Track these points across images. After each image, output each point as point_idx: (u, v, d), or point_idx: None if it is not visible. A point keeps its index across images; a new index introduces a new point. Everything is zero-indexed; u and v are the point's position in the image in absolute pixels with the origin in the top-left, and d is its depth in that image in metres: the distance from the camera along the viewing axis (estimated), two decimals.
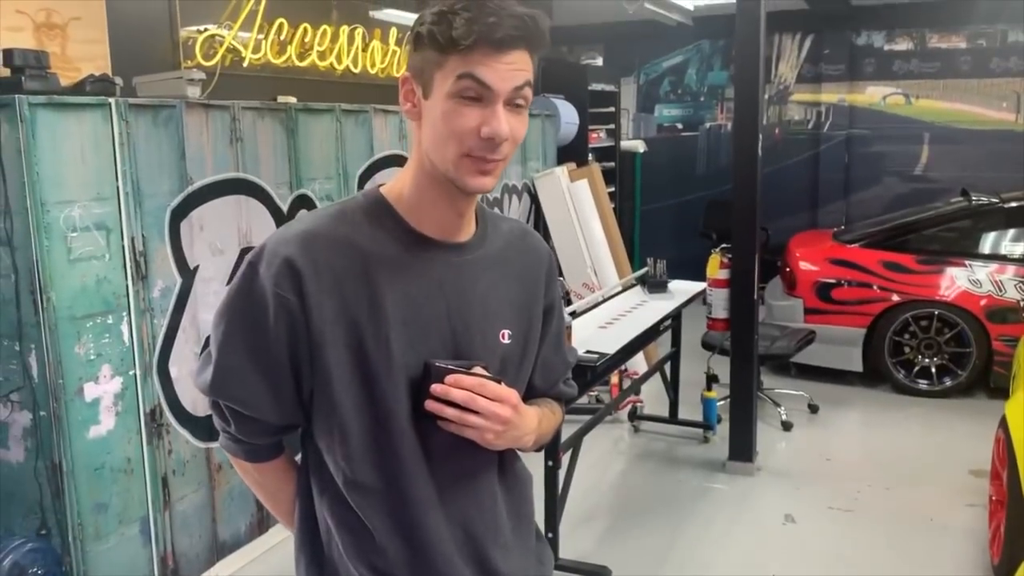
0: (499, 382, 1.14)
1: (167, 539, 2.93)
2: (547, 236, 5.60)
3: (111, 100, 2.65)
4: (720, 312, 4.15)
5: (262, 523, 3.36)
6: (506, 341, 1.23)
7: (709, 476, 4.12)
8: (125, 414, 2.78)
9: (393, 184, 1.21)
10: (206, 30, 3.47)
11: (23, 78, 2.45)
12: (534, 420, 1.23)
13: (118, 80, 2.79)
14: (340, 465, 1.18)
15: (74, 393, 2.60)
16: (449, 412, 1.11)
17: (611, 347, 3.21)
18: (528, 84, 1.11)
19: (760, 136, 3.93)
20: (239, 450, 1.26)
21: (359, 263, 1.14)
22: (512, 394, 1.15)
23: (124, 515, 2.78)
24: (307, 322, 1.13)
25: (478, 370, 1.14)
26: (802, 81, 7.80)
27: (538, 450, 1.37)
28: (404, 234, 1.17)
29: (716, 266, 4.12)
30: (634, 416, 4.70)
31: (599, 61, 7.07)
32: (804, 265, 5.48)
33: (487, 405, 1.11)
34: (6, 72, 2.48)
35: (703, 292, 4.37)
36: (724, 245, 4.11)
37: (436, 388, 1.11)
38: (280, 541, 3.36)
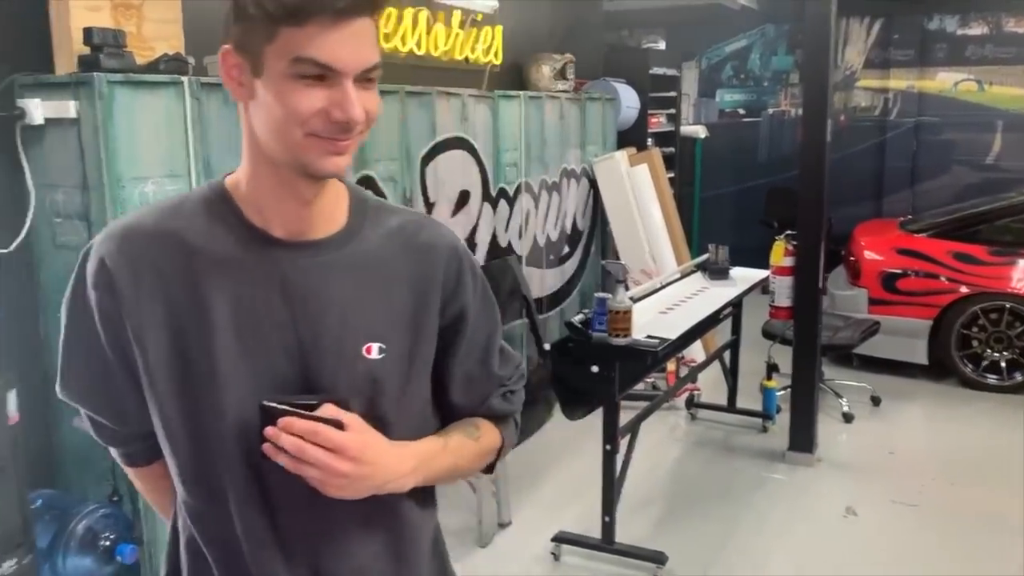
0: (340, 426, 0.97)
1: None
2: (604, 221, 5.57)
3: (184, 79, 2.70)
4: (783, 300, 4.08)
5: None
6: (374, 356, 1.04)
7: (768, 466, 4.07)
8: None
9: (237, 172, 1.06)
10: None
11: (101, 56, 2.51)
12: (409, 461, 1.04)
13: (191, 59, 2.84)
14: (176, 483, 1.08)
15: None
16: (283, 460, 0.96)
17: (672, 332, 3.18)
18: (378, 65, 0.96)
19: (829, 122, 3.84)
20: (116, 453, 1.18)
21: (187, 262, 1.01)
22: (353, 443, 0.96)
23: None
24: (126, 327, 1.02)
25: (326, 408, 0.97)
26: (870, 66, 7.61)
27: (486, 470, 1.22)
28: (243, 230, 1.02)
29: (780, 253, 4.05)
30: (691, 404, 4.67)
31: (661, 45, 6.99)
32: (869, 254, 5.36)
33: (319, 457, 0.95)
34: (85, 50, 2.54)
35: (765, 280, 4.30)
36: (789, 232, 4.04)
37: (268, 431, 0.96)
38: None
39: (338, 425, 0.97)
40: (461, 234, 4.30)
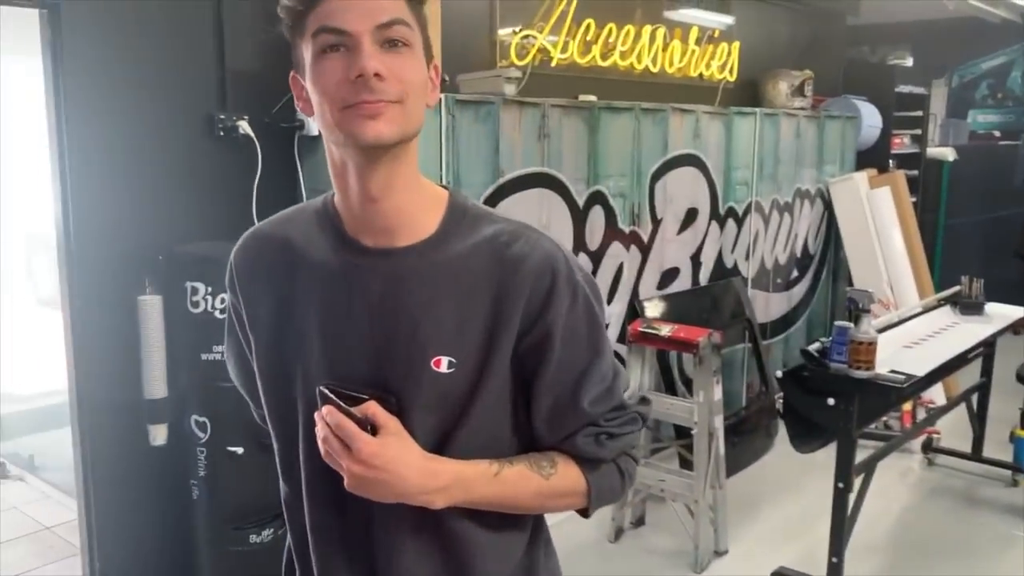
0: (373, 426, 0.97)
1: None
2: (839, 246, 5.29)
3: (441, 96, 2.87)
4: None
5: None
6: (444, 370, 1.01)
7: (1018, 524, 3.68)
8: None
9: None
10: (521, 30, 3.65)
11: None
12: (440, 479, 1.00)
13: (445, 77, 3.01)
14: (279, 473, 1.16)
15: None
16: (321, 446, 0.99)
17: (919, 369, 2.96)
18: (400, 21, 0.95)
19: None
20: None
21: (291, 267, 1.08)
22: (366, 446, 0.95)
23: None
24: (244, 323, 1.13)
25: (367, 406, 0.98)
26: None
27: (581, 514, 1.15)
28: (339, 238, 1.06)
29: None
30: (929, 448, 4.32)
31: (908, 61, 6.56)
32: None
33: (336, 450, 0.96)
34: None
35: None
36: None
37: (315, 415, 1.00)
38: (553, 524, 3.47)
39: (369, 424, 0.97)
40: (686, 252, 4.25)
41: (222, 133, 2.73)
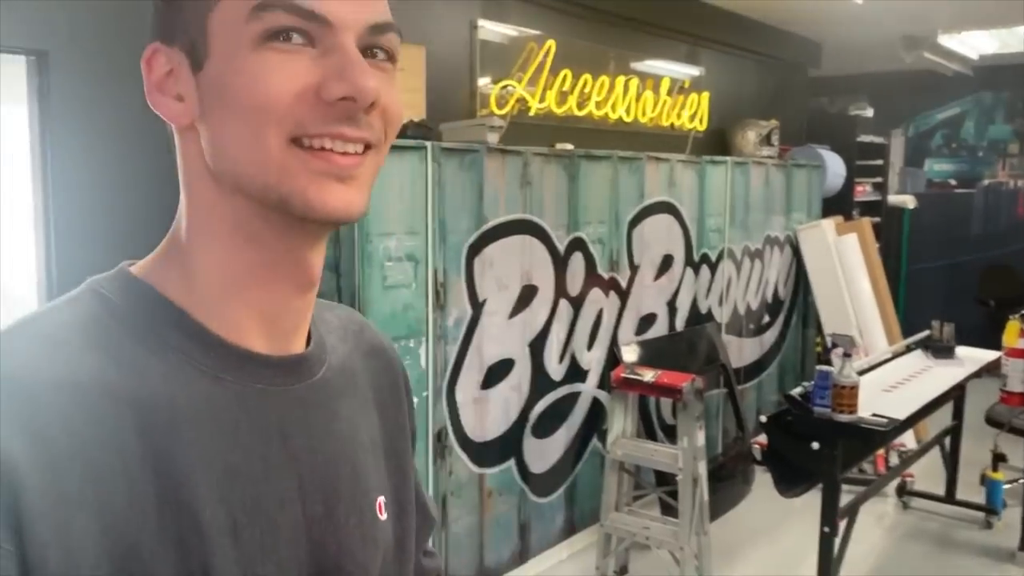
0: None
1: (444, 558, 3.08)
2: (808, 292, 5.39)
3: (428, 144, 2.89)
4: (1016, 385, 3.77)
5: (523, 553, 3.45)
6: (383, 515, 0.70)
7: (995, 566, 3.72)
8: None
9: (156, 260, 0.66)
10: (500, 81, 3.70)
11: None
12: None
13: (429, 125, 3.03)
14: None
15: None
16: None
17: (899, 412, 3.00)
18: (395, 28, 0.62)
19: None
20: None
21: (130, 430, 0.55)
22: None
23: None
24: None
25: None
26: None
27: None
28: (205, 349, 0.61)
29: (1015, 334, 3.76)
30: (903, 491, 4.36)
31: (869, 112, 6.77)
32: None
33: None
34: None
35: (996, 362, 3.99)
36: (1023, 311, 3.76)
37: None
38: (539, 574, 3.43)
39: None
40: (663, 298, 4.29)
41: None
